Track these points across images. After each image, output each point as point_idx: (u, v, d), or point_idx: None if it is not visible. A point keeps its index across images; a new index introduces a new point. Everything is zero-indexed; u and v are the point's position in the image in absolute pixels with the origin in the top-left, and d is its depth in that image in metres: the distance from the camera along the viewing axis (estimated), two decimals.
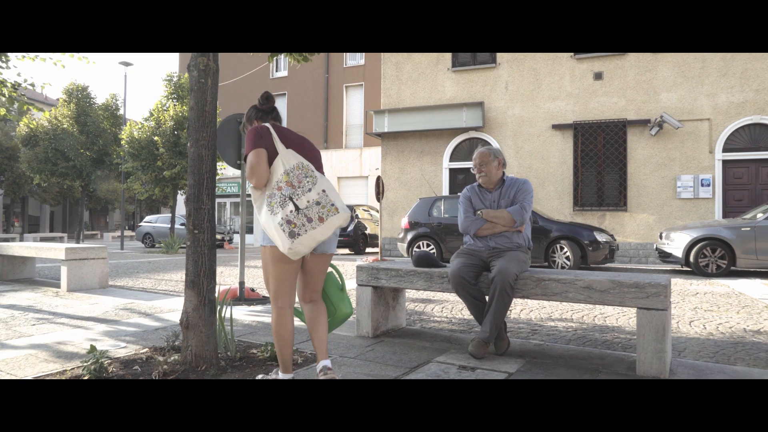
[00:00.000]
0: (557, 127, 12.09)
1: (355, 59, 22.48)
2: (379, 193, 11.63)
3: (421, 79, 13.33)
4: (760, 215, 8.72)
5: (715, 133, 11.03)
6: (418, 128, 13.01)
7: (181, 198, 22.62)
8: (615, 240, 9.65)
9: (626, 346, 3.68)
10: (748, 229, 8.48)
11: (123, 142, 18.64)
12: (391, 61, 13.59)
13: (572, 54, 12.03)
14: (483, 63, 12.81)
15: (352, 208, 15.29)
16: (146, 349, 3.33)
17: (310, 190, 2.28)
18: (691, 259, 8.68)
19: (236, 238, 23.80)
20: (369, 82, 21.70)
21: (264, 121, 2.52)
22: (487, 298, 3.27)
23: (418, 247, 10.14)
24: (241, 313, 4.64)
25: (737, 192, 10.95)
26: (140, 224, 22.10)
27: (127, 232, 31.94)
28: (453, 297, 5.99)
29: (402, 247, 10.48)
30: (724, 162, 11.02)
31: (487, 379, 2.76)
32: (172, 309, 4.90)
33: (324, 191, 2.29)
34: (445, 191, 13.01)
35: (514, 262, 3.15)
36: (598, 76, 11.87)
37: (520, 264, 3.17)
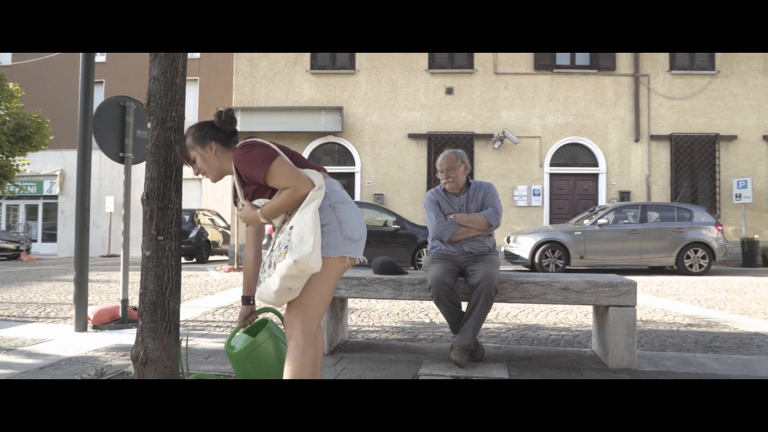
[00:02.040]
0: (413, 136, 12.64)
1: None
2: (235, 196, 10.84)
3: (277, 78, 12.80)
4: (587, 221, 10.19)
5: (544, 149, 12.61)
6: (273, 129, 12.45)
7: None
8: None
9: (576, 343, 3.91)
10: (580, 233, 9.83)
11: None
12: (244, 57, 12.80)
13: (426, 68, 12.70)
14: (342, 68, 12.81)
15: (192, 212, 13.99)
16: None
17: (282, 225, 1.84)
18: (536, 259, 9.75)
19: (35, 247, 20.11)
20: (205, 77, 20.22)
21: (226, 146, 1.96)
22: (463, 304, 3.18)
23: None
24: None
25: (560, 201, 12.66)
26: None
27: None
28: (370, 304, 5.79)
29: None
30: (551, 175, 12.67)
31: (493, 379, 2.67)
32: (40, 339, 3.83)
33: (291, 228, 1.72)
34: None
35: (495, 267, 3.12)
36: (450, 91, 12.72)
37: (498, 268, 3.15)
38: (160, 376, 2.24)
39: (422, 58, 12.76)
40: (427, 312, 5.29)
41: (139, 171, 11.39)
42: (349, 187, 12.82)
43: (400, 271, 3.44)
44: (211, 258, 15.24)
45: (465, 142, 12.62)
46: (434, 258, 3.27)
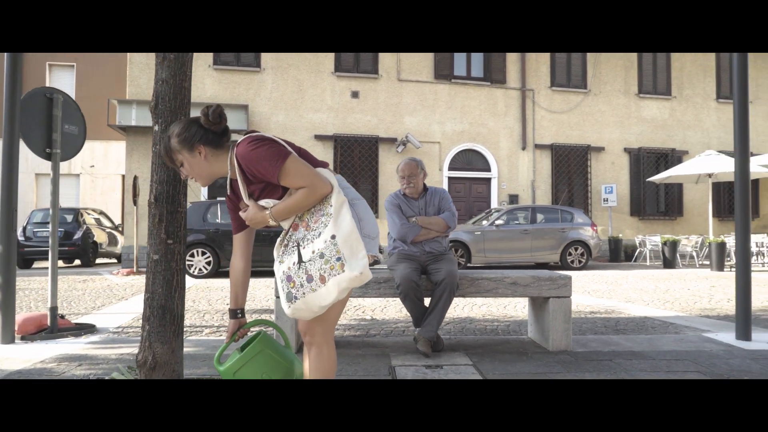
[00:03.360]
0: (319, 137, 12.74)
1: None
2: (135, 195, 10.21)
3: None
4: (484, 222, 11.05)
5: (443, 154, 13.40)
6: None
7: None
8: (380, 245, 10.77)
9: (511, 332, 4.37)
10: (480, 233, 10.65)
11: None
12: None
13: (333, 70, 12.87)
14: (247, 65, 12.54)
15: (76, 211, 12.83)
16: None
17: (319, 235, 1.65)
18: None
19: None
20: (84, 64, 18.50)
21: (218, 148, 1.75)
22: (426, 300, 3.47)
23: (192, 255, 9.29)
24: (87, 349, 3.64)
25: (458, 203, 13.53)
26: None
27: None
28: None
29: None
30: (449, 178, 13.50)
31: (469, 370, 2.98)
32: None
33: (333, 238, 1.62)
34: (205, 195, 12.20)
35: (455, 265, 3.45)
36: (355, 94, 13.02)
37: (457, 266, 3.48)
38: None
39: (328, 60, 12.91)
40: (363, 309, 5.53)
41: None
42: None
43: None
44: (98, 261, 14.05)
45: (370, 145, 13.00)
46: (399, 258, 3.52)
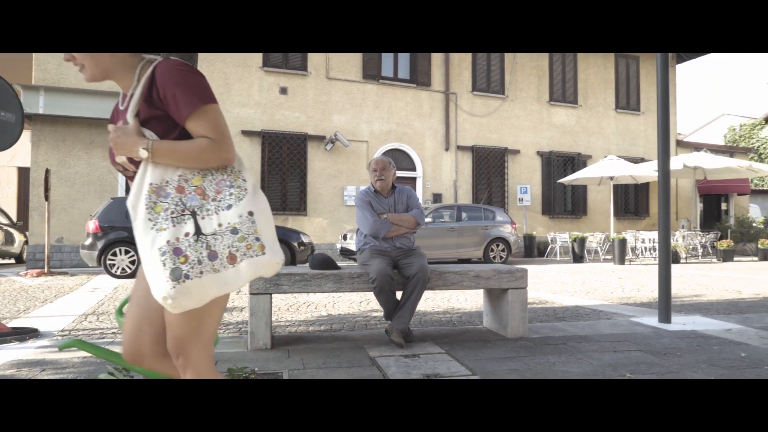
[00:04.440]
0: (246, 133, 12.47)
1: None
2: (47, 190, 9.43)
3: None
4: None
5: (371, 152, 13.62)
6: (88, 115, 11.04)
7: None
8: (312, 242, 10.79)
9: (466, 322, 4.63)
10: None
11: None
12: None
13: (261, 65, 12.64)
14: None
15: None
16: None
17: (230, 207, 1.37)
18: None
19: None
20: None
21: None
22: (398, 293, 3.63)
23: (114, 254, 8.76)
24: (41, 353, 3.42)
25: None
26: None
27: None
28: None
29: (89, 255, 8.80)
30: None
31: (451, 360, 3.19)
32: None
33: (251, 215, 1.37)
34: (121, 191, 11.50)
35: (426, 260, 3.65)
36: (284, 90, 12.87)
37: (426, 261, 3.68)
38: None
39: (256, 54, 12.66)
40: (325, 305, 5.58)
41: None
42: None
43: (334, 266, 3.73)
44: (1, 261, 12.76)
45: (299, 142, 12.92)
46: (373, 254, 3.65)
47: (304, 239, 10.06)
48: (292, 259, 9.73)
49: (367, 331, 4.09)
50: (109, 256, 8.75)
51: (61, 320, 4.66)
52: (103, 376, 2.46)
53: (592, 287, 7.35)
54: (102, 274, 9.26)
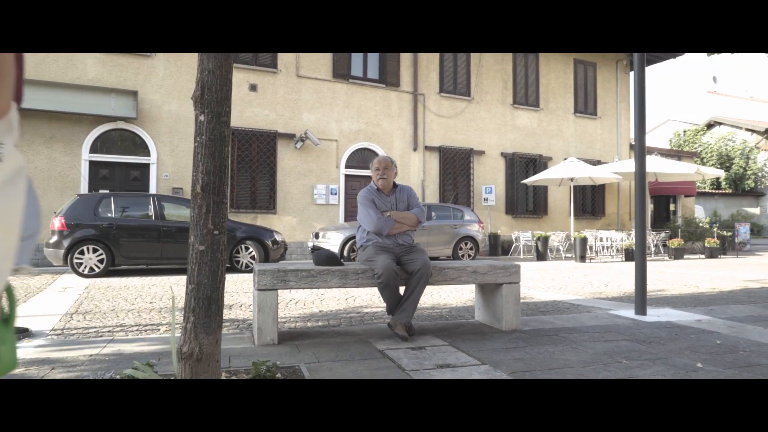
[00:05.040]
0: None
1: None
2: None
3: None
4: None
5: (340, 151, 13.67)
6: (47, 108, 10.61)
7: None
8: (285, 240, 10.76)
9: (457, 316, 4.80)
10: None
11: None
12: None
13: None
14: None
15: None
16: None
17: None
18: (345, 253, 10.67)
19: None
20: None
21: None
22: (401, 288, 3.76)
23: (82, 252, 8.49)
24: (43, 352, 3.36)
25: (353, 200, 13.89)
26: None
27: None
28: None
29: (55, 253, 8.49)
30: (346, 176, 13.81)
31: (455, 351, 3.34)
32: None
33: None
34: (84, 187, 11.11)
35: (427, 256, 3.79)
36: (253, 87, 12.75)
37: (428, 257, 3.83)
38: (213, 372, 2.29)
39: None
40: (313, 301, 5.63)
41: None
42: (144, 179, 11.77)
43: (338, 263, 3.82)
44: None
45: (268, 139, 12.83)
46: (377, 250, 3.76)
47: (278, 237, 10.03)
48: (265, 257, 9.69)
49: (366, 326, 4.19)
50: (76, 255, 8.48)
51: (45, 320, 4.54)
52: (128, 372, 2.47)
53: (562, 283, 7.69)
54: (66, 273, 8.96)
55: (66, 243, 8.48)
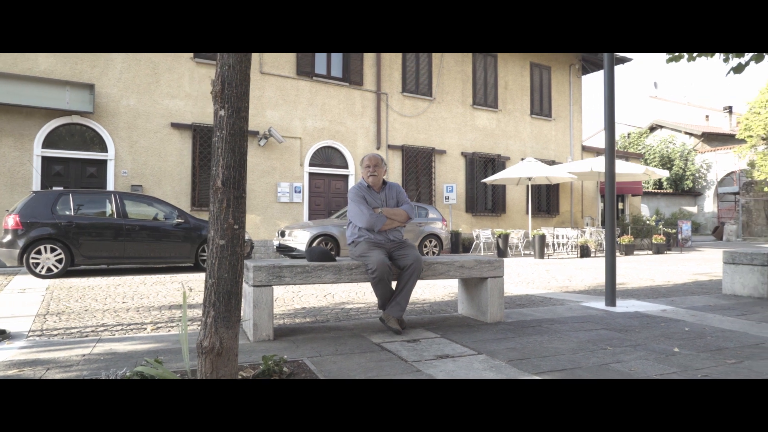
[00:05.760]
0: (176, 126, 11.98)
1: None
2: None
3: None
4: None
5: (304, 149, 13.61)
6: None
7: None
8: (252, 239, 10.64)
9: (440, 310, 4.93)
10: (347, 227, 11.16)
11: None
12: None
13: (192, 56, 12.20)
14: None
15: None
16: None
17: None
18: None
19: None
20: None
21: None
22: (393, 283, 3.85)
23: (39, 252, 8.11)
24: (30, 353, 3.25)
25: (317, 198, 13.87)
26: None
27: None
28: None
29: (9, 253, 8.08)
30: (310, 174, 13.76)
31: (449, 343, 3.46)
32: None
33: None
34: (36, 184, 10.61)
35: (418, 251, 3.90)
36: None
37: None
38: (232, 366, 2.31)
39: None
40: (292, 298, 5.63)
41: None
42: (101, 176, 11.33)
43: (331, 259, 3.88)
44: None
45: None
46: (370, 246, 3.84)
47: (246, 236, 9.90)
48: None
49: (355, 321, 4.26)
50: (33, 255, 8.10)
51: (18, 321, 4.36)
52: (139, 369, 2.45)
53: (528, 279, 7.98)
54: (20, 273, 8.55)
55: (21, 242, 8.09)
